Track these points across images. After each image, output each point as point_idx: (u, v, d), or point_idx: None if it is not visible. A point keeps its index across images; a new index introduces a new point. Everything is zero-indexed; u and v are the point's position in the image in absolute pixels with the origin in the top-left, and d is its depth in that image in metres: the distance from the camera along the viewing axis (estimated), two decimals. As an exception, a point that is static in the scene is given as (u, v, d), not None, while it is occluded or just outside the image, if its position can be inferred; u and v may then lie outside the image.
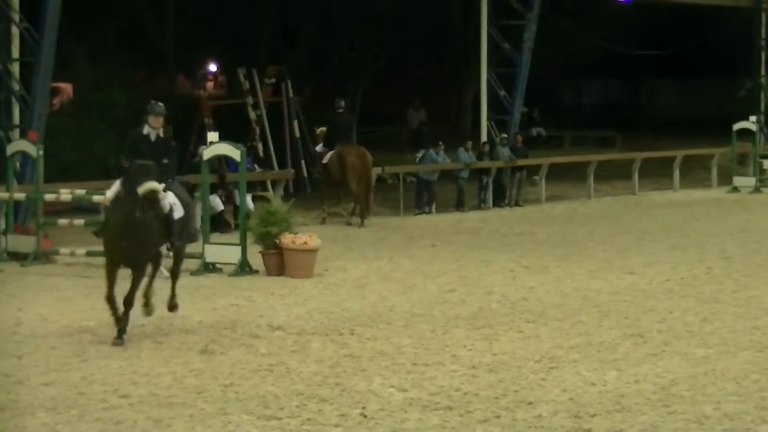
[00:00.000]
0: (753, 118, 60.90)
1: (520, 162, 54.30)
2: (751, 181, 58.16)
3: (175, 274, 25.42)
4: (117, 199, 21.89)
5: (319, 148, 48.37)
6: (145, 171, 19.12)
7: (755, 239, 40.01)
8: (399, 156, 52.29)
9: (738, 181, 58.29)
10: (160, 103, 17.60)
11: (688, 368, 21.37)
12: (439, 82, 67.74)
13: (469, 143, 53.56)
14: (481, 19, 54.40)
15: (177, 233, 24.23)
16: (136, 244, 20.38)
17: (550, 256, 35.40)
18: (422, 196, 50.63)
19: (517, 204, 52.48)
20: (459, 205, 50.94)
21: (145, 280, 24.03)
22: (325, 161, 46.80)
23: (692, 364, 21.74)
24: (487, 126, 54.77)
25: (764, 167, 59.19)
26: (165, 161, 21.91)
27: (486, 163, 53.00)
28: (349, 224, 44.32)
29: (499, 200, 52.49)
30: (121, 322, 22.79)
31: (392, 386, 19.94)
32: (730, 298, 28.90)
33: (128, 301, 22.57)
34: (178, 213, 23.96)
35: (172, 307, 25.31)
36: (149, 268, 23.93)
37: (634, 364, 21.65)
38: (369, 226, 44.73)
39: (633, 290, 30.04)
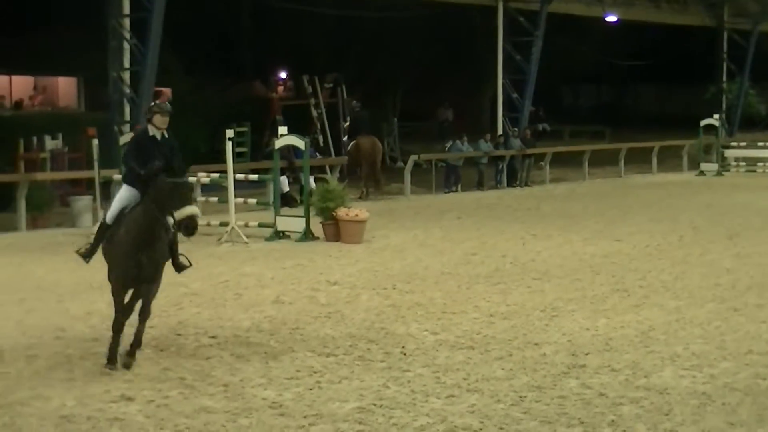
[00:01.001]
0: (716, 116, 60.86)
1: (529, 151, 54.16)
2: (714, 166, 58.00)
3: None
4: (122, 215, 16.22)
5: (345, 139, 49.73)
6: (182, 191, 14.97)
7: (718, 213, 39.88)
8: (431, 146, 52.06)
9: (704, 166, 58.13)
10: (167, 104, 15.17)
11: (663, 316, 21.50)
12: (463, 86, 67.31)
13: (488, 135, 53.41)
14: (498, 36, 54.35)
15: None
16: (154, 260, 15.60)
17: (553, 227, 35.36)
18: (450, 178, 50.59)
19: (526, 185, 52.30)
20: (479, 186, 50.77)
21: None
22: (348, 149, 47.70)
23: (667, 313, 21.87)
24: (502, 122, 54.73)
25: (725, 155, 59.03)
26: (176, 165, 16.12)
27: (501, 152, 52.92)
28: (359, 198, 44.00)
29: (512, 181, 52.32)
30: (114, 350, 16.62)
31: (426, 330, 20.09)
32: (697, 260, 28.94)
33: (146, 315, 16.82)
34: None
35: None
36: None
37: (620, 313, 21.79)
38: (396, 201, 45.12)
39: (619, 254, 30.09)
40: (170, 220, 15.56)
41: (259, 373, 16.81)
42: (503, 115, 54.88)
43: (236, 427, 13.90)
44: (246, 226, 32.74)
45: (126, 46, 39.03)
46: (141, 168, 15.69)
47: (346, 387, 14.78)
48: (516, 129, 54.29)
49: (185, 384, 16.06)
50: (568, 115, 72.42)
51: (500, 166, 52.83)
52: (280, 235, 32.55)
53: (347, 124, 56.12)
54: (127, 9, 38.77)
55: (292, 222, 32.80)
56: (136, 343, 17.24)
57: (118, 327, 16.71)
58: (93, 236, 17.91)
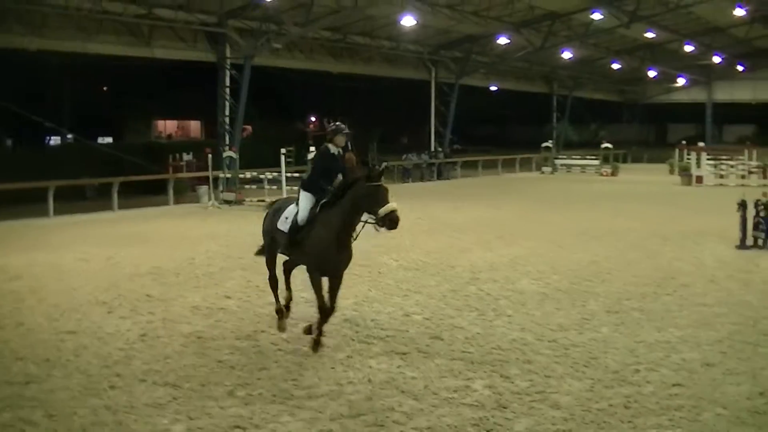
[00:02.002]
0: (550, 141, 61.24)
1: (450, 160, 54.34)
2: (549, 169, 58.14)
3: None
4: (314, 217, 12.21)
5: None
6: (383, 192, 11.83)
7: (551, 193, 39.91)
8: (397, 157, 52.24)
9: (544, 169, 58.22)
10: (344, 125, 12.70)
11: (522, 251, 21.41)
12: (414, 125, 66.83)
13: (427, 151, 53.59)
14: (431, 97, 54.34)
15: None
16: (346, 256, 12.18)
17: (464, 202, 35.26)
18: (406, 175, 50.65)
19: (447, 179, 52.35)
20: (422, 179, 50.79)
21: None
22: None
23: (524, 249, 21.77)
24: (434, 143, 54.61)
25: (555, 163, 59.16)
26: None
27: (434, 160, 53.02)
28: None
29: (441, 177, 52.39)
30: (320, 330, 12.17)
31: (392, 259, 19.98)
32: (540, 218, 28.58)
33: (332, 309, 12.15)
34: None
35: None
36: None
37: (499, 250, 21.66)
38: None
39: (499, 216, 29.82)
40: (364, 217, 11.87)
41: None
42: (435, 140, 54.75)
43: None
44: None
45: (227, 102, 38.89)
46: (322, 178, 12.22)
47: (347, 292, 14.84)
48: (441, 148, 54.40)
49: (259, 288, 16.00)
50: (471, 140, 72.15)
51: (434, 168, 52.86)
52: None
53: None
54: (227, 82, 38.70)
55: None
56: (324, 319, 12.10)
57: (325, 312, 11.90)
58: (263, 238, 13.44)
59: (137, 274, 17.97)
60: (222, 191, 34.81)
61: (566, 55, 56.91)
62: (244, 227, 26.12)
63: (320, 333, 12.02)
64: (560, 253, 21.25)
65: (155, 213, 31.80)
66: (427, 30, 47.41)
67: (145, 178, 35.72)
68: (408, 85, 57.67)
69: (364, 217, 11.78)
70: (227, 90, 38.78)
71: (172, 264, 19.34)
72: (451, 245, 22.64)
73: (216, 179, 35.00)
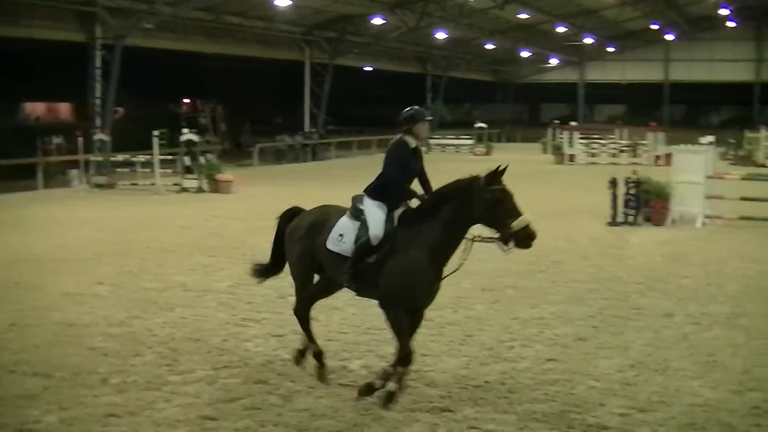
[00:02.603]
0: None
1: (325, 140, 54.36)
2: (425, 149, 58.66)
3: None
4: (392, 235, 9.03)
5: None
6: (512, 198, 8.74)
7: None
8: (272, 138, 51.86)
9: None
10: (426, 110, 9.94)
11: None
12: (288, 105, 66.37)
13: (301, 132, 53.59)
14: (305, 78, 54.26)
15: None
16: (438, 287, 9.14)
17: (336, 181, 35.42)
18: (280, 156, 50.53)
19: (322, 160, 52.33)
20: (297, 161, 50.70)
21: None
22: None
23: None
24: (309, 123, 54.60)
25: (430, 143, 59.60)
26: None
27: (308, 141, 53.03)
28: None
29: (316, 158, 52.31)
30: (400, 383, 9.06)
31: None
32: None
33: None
34: None
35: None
36: None
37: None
38: (249, 169, 44.40)
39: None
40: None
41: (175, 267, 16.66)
42: (310, 121, 54.72)
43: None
44: (164, 185, 32.33)
45: (98, 84, 37.99)
46: (402, 182, 9.34)
47: (221, 274, 14.64)
48: (315, 129, 54.38)
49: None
50: (345, 121, 71.97)
51: (308, 149, 52.80)
52: (185, 190, 32.19)
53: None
54: (98, 63, 37.74)
55: (191, 182, 32.45)
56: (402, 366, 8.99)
57: (409, 361, 8.94)
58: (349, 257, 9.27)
59: (5, 261, 17.48)
60: (93, 175, 34.14)
61: (440, 35, 57.42)
62: (117, 212, 25.77)
63: (400, 387, 9.07)
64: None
65: (24, 198, 30.93)
66: (302, 10, 47.29)
67: (12, 162, 34.75)
68: (282, 65, 57.47)
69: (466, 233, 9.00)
70: (98, 71, 37.88)
71: (43, 250, 18.88)
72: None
73: (87, 163, 34.34)
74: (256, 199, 29.48)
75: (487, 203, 8.68)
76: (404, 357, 8.90)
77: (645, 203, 23.56)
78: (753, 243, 20.28)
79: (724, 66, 76.85)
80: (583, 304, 13.61)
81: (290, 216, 10.66)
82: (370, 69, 65.66)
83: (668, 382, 9.71)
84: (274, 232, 10.57)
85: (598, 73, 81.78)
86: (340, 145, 56.23)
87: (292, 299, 10.22)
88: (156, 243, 19.74)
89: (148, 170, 33.05)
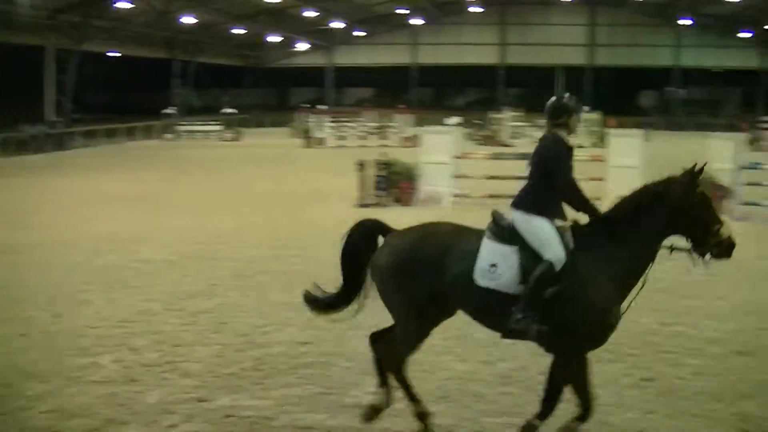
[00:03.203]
0: (172, 108, 60.52)
1: (71, 129, 52.37)
2: (172, 136, 57.77)
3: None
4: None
5: None
6: (710, 201, 7.22)
7: (186, 161, 39.76)
8: (10, 128, 49.57)
9: (167, 136, 57.78)
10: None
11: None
12: (30, 92, 63.64)
13: (44, 121, 51.61)
14: (48, 64, 52.12)
15: None
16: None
17: (82, 173, 34.30)
18: (24, 148, 48.42)
19: (68, 149, 50.37)
20: (41, 152, 48.51)
21: None
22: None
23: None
24: (53, 112, 52.61)
25: (179, 130, 58.81)
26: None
27: (52, 130, 51.07)
28: None
29: (62, 148, 50.35)
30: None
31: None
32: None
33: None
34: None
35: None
36: None
37: (123, 218, 21.37)
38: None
39: (118, 187, 29.49)
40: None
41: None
42: (53, 109, 52.71)
43: None
44: None
45: None
46: (580, 189, 7.39)
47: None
48: (60, 117, 52.50)
49: None
50: (90, 108, 69.38)
51: (52, 139, 50.72)
52: None
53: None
54: None
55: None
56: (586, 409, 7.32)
57: (592, 408, 7.33)
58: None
59: None
60: None
61: (188, 20, 56.71)
62: None
63: None
64: (187, 221, 21.21)
65: None
66: (43, -7, 45.61)
67: None
68: (23, 50, 55.13)
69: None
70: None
71: None
72: (82, 219, 21.76)
73: None
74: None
75: (694, 209, 7.17)
76: (589, 409, 7.34)
77: (394, 184, 24.13)
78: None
79: (470, 49, 79.76)
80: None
81: (368, 233, 8.28)
82: (117, 54, 64.00)
83: (422, 358, 9.95)
84: (342, 252, 8.40)
85: (348, 57, 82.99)
86: (87, 133, 54.51)
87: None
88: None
89: None
